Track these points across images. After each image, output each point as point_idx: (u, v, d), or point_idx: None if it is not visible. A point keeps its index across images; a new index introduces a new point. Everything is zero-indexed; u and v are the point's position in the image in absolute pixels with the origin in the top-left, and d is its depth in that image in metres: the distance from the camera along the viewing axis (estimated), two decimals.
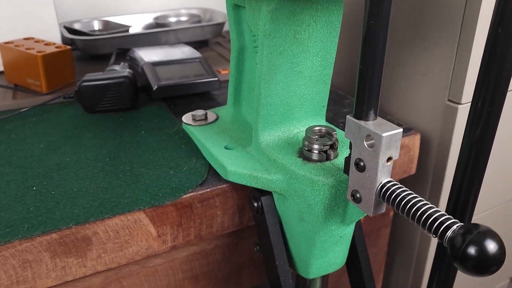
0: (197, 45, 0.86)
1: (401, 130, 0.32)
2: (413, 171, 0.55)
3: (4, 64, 0.68)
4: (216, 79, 0.62)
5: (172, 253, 0.45)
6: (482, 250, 0.27)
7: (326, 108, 0.44)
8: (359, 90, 0.32)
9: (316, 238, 0.40)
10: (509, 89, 0.32)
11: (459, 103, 0.52)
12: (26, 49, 0.64)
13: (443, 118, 0.54)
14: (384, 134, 0.31)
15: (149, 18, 0.91)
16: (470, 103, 0.57)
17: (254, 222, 0.44)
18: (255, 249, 0.45)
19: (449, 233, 0.29)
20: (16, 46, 0.65)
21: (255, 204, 0.42)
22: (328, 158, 0.39)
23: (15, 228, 0.37)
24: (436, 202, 0.59)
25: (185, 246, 0.45)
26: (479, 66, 0.32)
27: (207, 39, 0.87)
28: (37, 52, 0.63)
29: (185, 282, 0.48)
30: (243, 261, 0.50)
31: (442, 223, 0.29)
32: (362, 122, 0.33)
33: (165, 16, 0.91)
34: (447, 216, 0.30)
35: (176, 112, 0.58)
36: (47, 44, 0.67)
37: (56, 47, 0.66)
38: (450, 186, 0.64)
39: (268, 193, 0.42)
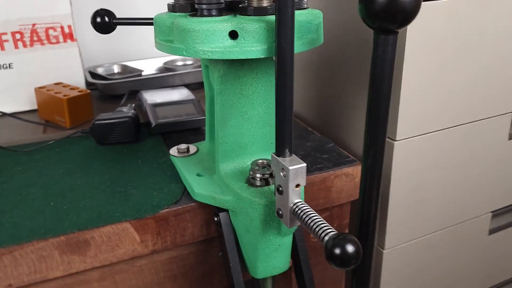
0: (200, 85, 1.00)
1: (304, 164, 0.44)
2: (358, 196, 0.66)
3: (38, 104, 0.84)
4: (204, 117, 0.76)
5: (154, 256, 0.58)
6: (343, 251, 0.38)
7: (274, 144, 0.57)
8: (277, 134, 0.45)
9: (259, 245, 0.52)
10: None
11: (395, 140, 0.64)
12: (55, 93, 0.80)
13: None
14: (291, 168, 0.43)
15: (160, 62, 1.07)
16: (405, 140, 0.68)
17: (216, 233, 0.57)
18: (220, 255, 0.57)
19: (326, 238, 0.40)
20: (47, 90, 0.81)
21: (216, 219, 0.55)
22: (267, 184, 0.52)
23: (35, 232, 0.51)
24: (383, 222, 0.69)
25: (164, 250, 0.58)
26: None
27: None
28: (63, 95, 0.79)
29: (166, 280, 0.60)
30: (214, 265, 0.63)
31: (324, 232, 0.41)
32: (280, 158, 0.45)
33: (173, 61, 1.07)
34: (331, 229, 0.41)
35: (170, 145, 0.72)
36: (72, 88, 0.83)
37: (79, 91, 0.81)
38: (393, 209, 0.75)
39: (225, 211, 0.54)
